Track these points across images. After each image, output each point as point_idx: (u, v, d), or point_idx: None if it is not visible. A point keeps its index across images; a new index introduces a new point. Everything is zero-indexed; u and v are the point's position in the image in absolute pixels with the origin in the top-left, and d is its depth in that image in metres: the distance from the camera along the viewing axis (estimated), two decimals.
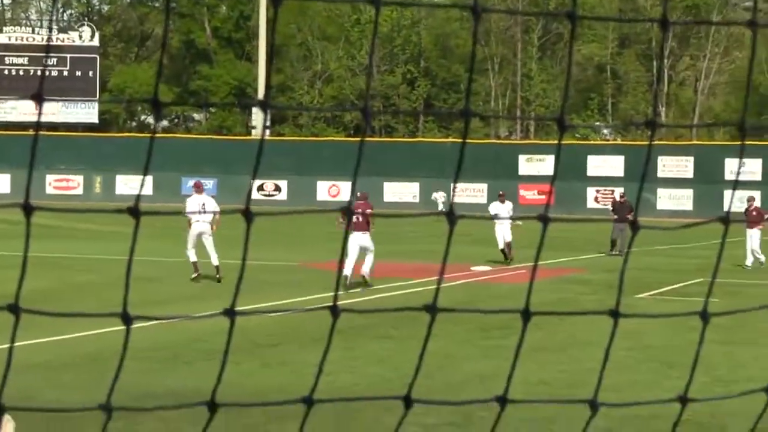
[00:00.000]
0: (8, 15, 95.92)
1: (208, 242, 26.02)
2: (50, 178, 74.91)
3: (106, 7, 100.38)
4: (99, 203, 71.45)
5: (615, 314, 2.62)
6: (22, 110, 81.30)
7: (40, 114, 2.43)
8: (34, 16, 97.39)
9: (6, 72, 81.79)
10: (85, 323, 16.05)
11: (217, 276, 25.63)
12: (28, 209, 2.31)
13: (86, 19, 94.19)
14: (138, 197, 2.29)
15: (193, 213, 26.26)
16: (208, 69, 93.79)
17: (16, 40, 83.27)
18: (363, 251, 24.95)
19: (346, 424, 11.27)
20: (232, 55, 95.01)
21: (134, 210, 2.30)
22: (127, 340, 2.33)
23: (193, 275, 26.17)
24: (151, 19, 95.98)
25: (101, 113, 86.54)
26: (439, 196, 63.80)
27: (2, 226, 32.60)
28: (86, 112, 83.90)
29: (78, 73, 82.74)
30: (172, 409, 9.52)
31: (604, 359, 2.68)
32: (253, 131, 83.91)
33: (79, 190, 76.60)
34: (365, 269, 25.06)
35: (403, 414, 2.49)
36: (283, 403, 2.48)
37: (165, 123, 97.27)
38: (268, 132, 79.57)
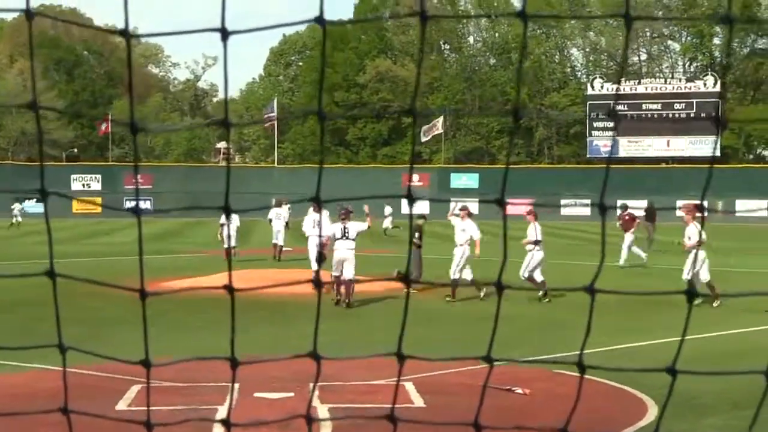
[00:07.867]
0: (644, 69, 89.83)
1: None
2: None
3: (726, 59, 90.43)
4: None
5: None
6: (656, 147, 75.91)
7: None
8: (665, 70, 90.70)
9: (643, 116, 76.01)
10: None
11: None
12: None
13: (709, 69, 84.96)
14: None
15: None
16: None
17: (651, 89, 77.28)
18: None
19: None
20: None
21: None
22: None
23: None
24: (765, 68, 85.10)
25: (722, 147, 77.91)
26: None
27: None
28: (709, 148, 75.22)
29: (702, 114, 74.66)
30: None
31: None
32: None
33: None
34: None
35: None
36: None
37: None
38: None
